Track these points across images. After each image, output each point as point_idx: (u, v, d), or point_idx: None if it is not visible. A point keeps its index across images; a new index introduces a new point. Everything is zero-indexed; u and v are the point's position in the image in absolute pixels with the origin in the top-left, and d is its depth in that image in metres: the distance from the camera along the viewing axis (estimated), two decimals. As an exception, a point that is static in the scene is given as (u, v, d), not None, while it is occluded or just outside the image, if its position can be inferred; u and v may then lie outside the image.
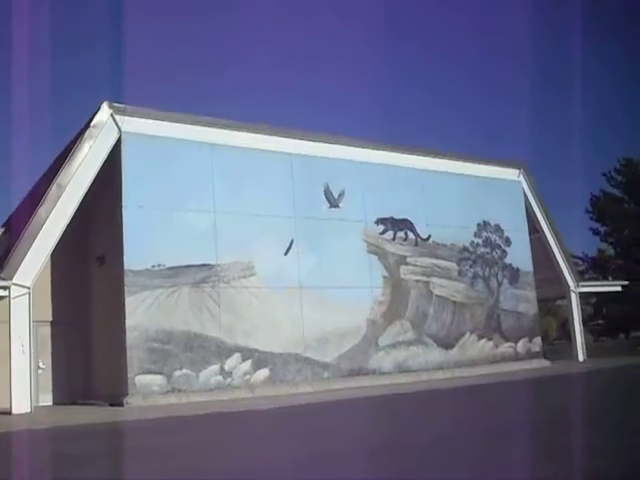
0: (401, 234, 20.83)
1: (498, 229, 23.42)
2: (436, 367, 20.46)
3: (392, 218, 20.73)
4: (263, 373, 17.48)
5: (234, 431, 9.89)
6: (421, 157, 22.04)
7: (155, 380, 15.99)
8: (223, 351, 16.99)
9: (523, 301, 23.50)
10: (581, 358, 24.62)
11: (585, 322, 47.74)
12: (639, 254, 36.30)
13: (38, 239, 15.58)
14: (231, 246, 17.62)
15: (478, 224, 22.97)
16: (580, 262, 40.30)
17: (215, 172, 17.87)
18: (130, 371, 15.75)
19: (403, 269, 20.61)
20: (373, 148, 21.03)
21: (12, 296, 15.14)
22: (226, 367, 16.95)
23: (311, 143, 19.70)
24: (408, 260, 20.81)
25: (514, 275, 23.40)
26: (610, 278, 34.44)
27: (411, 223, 21.13)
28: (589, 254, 40.66)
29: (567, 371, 19.78)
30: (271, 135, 19.06)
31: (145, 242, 16.45)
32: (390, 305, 20.11)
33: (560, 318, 51.42)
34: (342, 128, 73.25)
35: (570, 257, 26.26)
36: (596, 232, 38.68)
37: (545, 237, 24.87)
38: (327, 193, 19.60)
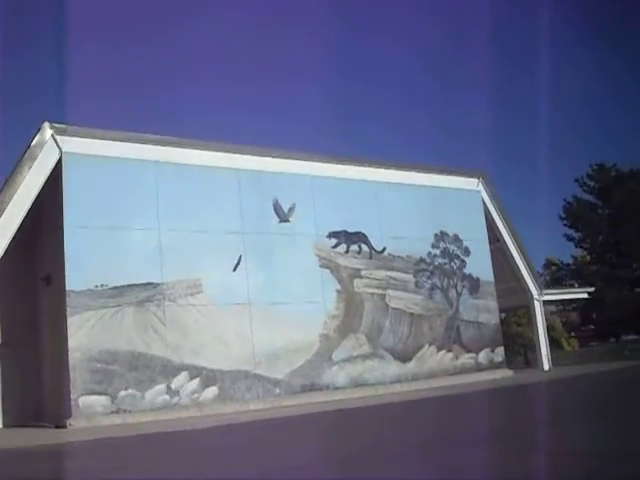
0: (354, 247, 20.72)
1: (457, 239, 23.32)
2: (393, 380, 20.31)
3: (345, 231, 20.63)
4: (212, 391, 17.34)
5: (171, 450, 9.74)
6: (374, 169, 21.97)
7: (99, 401, 15.84)
8: (170, 370, 16.84)
9: (484, 311, 23.36)
10: (546, 367, 24.51)
11: (575, 328, 47.83)
12: (614, 259, 36.33)
13: (-24, 262, 15.51)
14: (177, 264, 17.53)
15: (435, 235, 22.86)
16: (556, 269, 40.36)
17: (160, 190, 17.80)
18: (73, 392, 15.58)
19: (357, 282, 20.50)
20: (324, 161, 20.96)
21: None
22: (173, 386, 16.81)
23: (259, 158, 19.62)
24: (362, 273, 20.70)
25: (474, 285, 23.28)
26: (576, 285, 34.38)
27: (365, 236, 21.02)
28: (564, 260, 40.78)
29: (524, 381, 19.67)
30: (217, 151, 19.00)
31: (88, 262, 16.35)
32: (344, 319, 19.97)
33: (547, 326, 51.30)
34: (299, 138, 73.13)
35: (533, 265, 26.15)
36: (570, 238, 38.78)
37: (506, 245, 24.82)
38: (276, 208, 19.51)
